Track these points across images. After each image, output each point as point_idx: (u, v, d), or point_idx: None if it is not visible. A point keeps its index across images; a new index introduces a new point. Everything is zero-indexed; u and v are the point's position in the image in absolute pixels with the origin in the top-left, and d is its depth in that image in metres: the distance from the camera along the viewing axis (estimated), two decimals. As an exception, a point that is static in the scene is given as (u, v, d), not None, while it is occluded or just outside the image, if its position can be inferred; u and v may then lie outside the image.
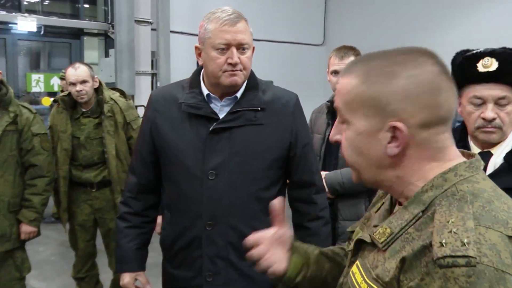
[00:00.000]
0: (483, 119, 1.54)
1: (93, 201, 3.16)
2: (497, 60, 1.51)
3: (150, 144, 1.78)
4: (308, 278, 1.13)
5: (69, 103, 3.07)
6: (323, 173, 2.38)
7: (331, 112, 2.53)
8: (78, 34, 8.37)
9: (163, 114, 1.74)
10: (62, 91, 5.85)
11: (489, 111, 1.53)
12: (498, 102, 1.52)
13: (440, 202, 0.81)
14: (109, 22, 8.28)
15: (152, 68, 8.20)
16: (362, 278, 0.88)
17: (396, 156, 0.85)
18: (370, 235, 0.90)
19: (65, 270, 4.20)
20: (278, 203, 1.15)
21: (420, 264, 0.75)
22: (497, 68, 1.50)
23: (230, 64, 1.60)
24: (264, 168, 1.70)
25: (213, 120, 1.68)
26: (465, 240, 0.72)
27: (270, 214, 1.71)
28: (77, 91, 2.99)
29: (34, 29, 7.53)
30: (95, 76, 3.12)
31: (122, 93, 3.33)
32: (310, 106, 2.78)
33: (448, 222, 0.75)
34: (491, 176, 1.55)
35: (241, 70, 1.63)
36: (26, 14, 7.53)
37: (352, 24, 9.99)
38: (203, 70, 1.74)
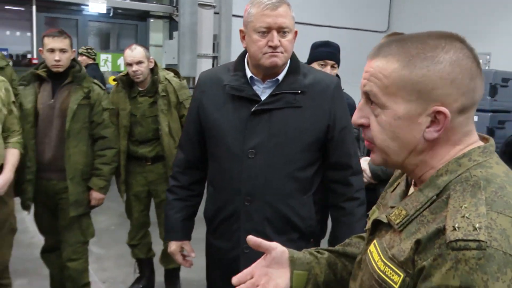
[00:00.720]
0: None
1: (147, 173, 3.35)
2: None
3: (197, 123, 1.89)
4: (323, 284, 1.15)
5: (127, 83, 3.26)
6: (367, 159, 2.41)
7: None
8: (144, 16, 8.67)
9: (209, 95, 1.84)
10: (86, 64, 6.09)
11: None
12: None
13: (454, 187, 0.83)
14: (174, 5, 8.51)
15: (213, 51, 8.37)
16: (379, 257, 0.91)
17: (433, 141, 0.87)
18: (386, 216, 0.93)
19: (122, 239, 4.47)
20: (252, 240, 1.15)
21: (433, 246, 0.78)
22: None
23: (270, 46, 1.67)
24: (301, 150, 1.77)
25: (254, 102, 1.76)
26: (477, 225, 0.75)
27: (306, 193, 1.80)
28: (133, 71, 3.16)
29: (104, 10, 7.88)
30: (151, 57, 3.28)
31: (176, 73, 3.47)
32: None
33: (461, 207, 0.78)
34: None
35: (282, 53, 1.70)
36: (97, -3, 7.89)
37: (417, 10, 9.68)
38: (247, 53, 1.82)
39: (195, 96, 1.91)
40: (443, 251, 0.76)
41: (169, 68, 3.58)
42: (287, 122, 1.74)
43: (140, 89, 3.28)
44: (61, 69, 2.84)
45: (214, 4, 8.21)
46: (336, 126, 1.81)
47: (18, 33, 8.48)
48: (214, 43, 8.36)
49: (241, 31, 1.79)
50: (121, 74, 3.35)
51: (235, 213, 1.81)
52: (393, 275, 0.86)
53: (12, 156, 2.64)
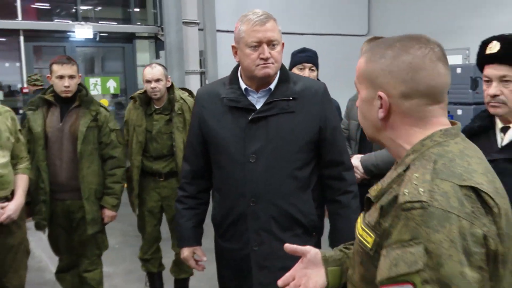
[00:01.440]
0: (489, 95, 1.72)
1: (161, 189, 3.46)
2: (500, 43, 1.68)
3: (199, 135, 2.01)
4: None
5: (144, 100, 3.40)
6: (359, 156, 2.56)
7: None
8: (130, 38, 8.84)
9: (208, 109, 1.97)
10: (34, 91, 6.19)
11: (492, 88, 1.70)
12: (502, 80, 1.69)
13: (414, 162, 0.99)
14: (159, 25, 8.70)
15: (200, 67, 8.55)
16: (359, 225, 1.10)
17: (384, 120, 1.06)
18: (368, 191, 1.10)
19: (128, 256, 4.58)
20: (289, 247, 1.34)
21: (392, 210, 0.96)
22: (498, 50, 1.67)
23: (262, 58, 1.83)
24: (297, 151, 1.91)
25: (251, 111, 1.89)
26: (421, 190, 0.91)
27: (305, 190, 1.94)
28: (152, 88, 3.30)
29: (90, 36, 8.05)
30: (169, 76, 3.43)
31: (190, 93, 3.63)
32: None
33: (414, 176, 0.95)
34: (506, 147, 1.71)
35: (273, 63, 1.86)
36: (82, 23, 8.05)
37: (396, 14, 9.96)
38: (240, 67, 1.97)
39: (196, 111, 2.05)
40: (398, 213, 0.93)
41: (183, 88, 3.74)
42: (283, 127, 1.89)
43: (156, 107, 3.41)
44: (70, 94, 2.99)
45: (198, 21, 8.41)
46: (327, 127, 1.96)
47: (7, 64, 8.60)
48: (200, 59, 8.56)
49: (233, 47, 1.94)
50: (139, 92, 3.48)
51: (242, 215, 1.94)
52: (367, 237, 1.04)
53: (22, 182, 2.77)
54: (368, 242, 1.03)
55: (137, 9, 9.27)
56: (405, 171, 1.01)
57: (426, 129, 1.04)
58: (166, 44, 7.95)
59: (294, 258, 1.95)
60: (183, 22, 8.07)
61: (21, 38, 7.65)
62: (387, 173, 1.11)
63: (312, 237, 1.99)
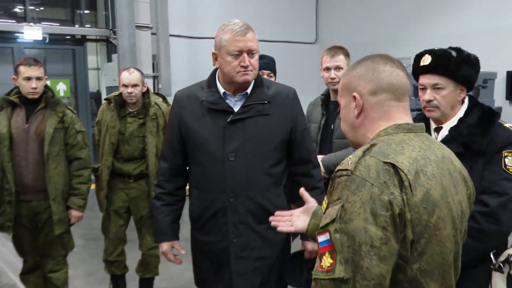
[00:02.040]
0: (424, 101, 2.01)
1: (130, 190, 3.50)
2: (431, 56, 1.97)
3: (178, 134, 2.14)
4: None
5: (119, 102, 3.45)
6: (320, 157, 2.77)
7: (325, 104, 2.93)
8: (81, 40, 8.73)
9: (188, 110, 2.10)
10: None
11: (427, 95, 1.99)
12: (435, 88, 1.97)
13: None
14: (110, 28, 8.64)
15: (153, 71, 8.57)
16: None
17: (359, 117, 1.30)
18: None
19: (88, 259, 4.60)
20: (303, 192, 1.65)
21: (334, 180, 1.19)
22: (430, 62, 1.97)
23: (242, 66, 2.00)
24: (272, 149, 2.09)
25: (229, 113, 2.05)
26: (350, 162, 1.15)
27: (278, 186, 2.13)
28: (128, 93, 3.36)
29: (39, 37, 7.88)
30: (145, 82, 3.50)
31: (164, 98, 3.71)
32: (305, 101, 3.13)
33: (351, 155, 1.19)
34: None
35: (251, 71, 2.03)
36: (31, 24, 7.88)
37: (342, 23, 10.42)
38: (218, 71, 2.13)
39: (175, 111, 2.17)
40: (334, 180, 1.17)
41: (157, 93, 3.81)
42: (259, 128, 2.07)
43: (131, 110, 3.47)
44: (37, 96, 3.01)
45: (151, 25, 8.43)
46: (298, 128, 2.16)
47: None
48: (153, 63, 8.57)
49: (213, 53, 2.09)
50: (114, 94, 3.52)
51: (222, 209, 2.08)
52: (324, 204, 1.28)
53: None
54: (324, 208, 1.28)
55: (87, 11, 9.16)
56: None
57: (387, 124, 1.28)
58: (118, 48, 7.92)
59: (268, 249, 2.17)
60: (136, 26, 8.07)
61: (-33, 38, 7.41)
62: None
63: None
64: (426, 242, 1.15)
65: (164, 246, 2.24)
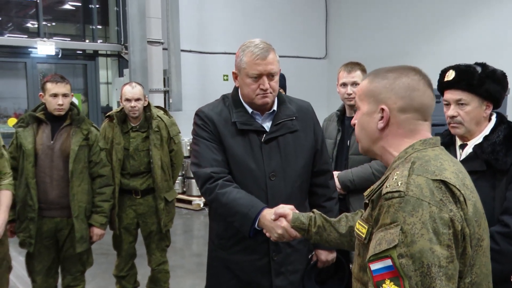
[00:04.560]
0: (448, 116, 1.99)
1: (137, 206, 3.50)
2: (455, 71, 1.96)
3: (220, 145, 2.03)
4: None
5: (121, 118, 3.47)
6: (336, 173, 2.75)
7: (341, 120, 2.91)
8: (93, 55, 8.81)
9: (221, 128, 2.05)
10: None
11: (450, 110, 1.97)
12: (458, 104, 1.95)
13: (398, 166, 1.21)
14: (122, 43, 8.73)
15: (164, 86, 8.62)
16: (357, 222, 1.31)
17: (382, 130, 1.27)
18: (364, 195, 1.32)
19: (98, 274, 4.57)
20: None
21: (379, 202, 1.16)
22: (453, 78, 1.95)
23: (261, 89, 1.99)
24: (303, 165, 2.12)
25: (261, 132, 2.05)
26: (399, 182, 1.12)
27: (306, 199, 2.16)
28: (131, 107, 3.38)
29: (52, 52, 7.97)
30: (146, 96, 3.51)
31: (165, 111, 3.73)
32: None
33: (396, 174, 1.16)
34: (463, 161, 1.96)
35: (271, 93, 2.02)
36: (45, 39, 7.97)
37: (352, 38, 10.44)
38: (238, 90, 2.11)
39: (207, 126, 2.05)
40: (382, 202, 1.14)
41: (158, 106, 3.82)
42: (291, 145, 2.08)
43: (133, 124, 3.48)
44: (63, 112, 3.03)
45: (162, 40, 8.50)
46: (318, 140, 2.19)
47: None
48: (164, 78, 8.62)
49: (233, 73, 2.10)
50: (115, 110, 3.53)
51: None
52: (362, 229, 1.25)
53: (6, 198, 2.80)
54: (362, 233, 1.25)
55: (99, 26, 9.26)
56: (391, 173, 1.22)
57: (413, 140, 1.26)
58: (130, 63, 7.99)
59: (301, 261, 2.18)
60: (148, 41, 8.14)
61: (-19, 53, 7.50)
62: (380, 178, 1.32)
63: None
64: (476, 254, 1.14)
65: (268, 215, 1.83)
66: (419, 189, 1.09)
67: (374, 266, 1.09)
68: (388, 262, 1.06)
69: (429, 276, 1.03)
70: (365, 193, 1.28)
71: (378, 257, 1.08)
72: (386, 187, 1.13)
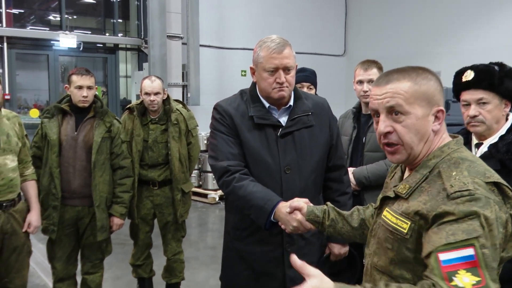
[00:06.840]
0: (469, 116, 2.00)
1: (154, 197, 3.59)
2: (474, 71, 1.98)
3: (237, 138, 2.08)
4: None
5: (141, 110, 3.56)
6: (351, 169, 2.78)
7: (357, 117, 2.93)
8: (113, 49, 8.93)
9: (238, 122, 2.11)
10: None
11: (472, 110, 1.99)
12: (479, 103, 1.97)
13: (442, 165, 1.24)
14: (142, 37, 8.83)
15: (183, 80, 8.70)
16: (391, 215, 1.30)
17: (435, 132, 1.29)
18: (394, 191, 1.33)
19: (114, 263, 4.66)
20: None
21: (438, 201, 1.16)
22: (473, 78, 1.97)
23: (278, 82, 2.04)
24: (318, 160, 2.16)
25: (277, 127, 2.09)
26: (465, 182, 1.15)
27: (320, 193, 2.17)
28: (151, 101, 3.46)
29: (74, 45, 8.10)
30: (165, 89, 3.59)
31: (184, 105, 3.80)
32: (333, 113, 3.16)
33: (452, 174, 1.19)
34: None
35: (287, 87, 2.06)
36: (67, 32, 8.11)
37: (371, 35, 10.40)
38: (256, 85, 2.16)
39: (225, 120, 2.11)
40: (446, 201, 1.15)
41: (177, 99, 3.89)
42: (307, 140, 2.12)
43: (152, 117, 3.56)
44: (87, 104, 3.11)
45: (181, 35, 8.58)
46: (334, 135, 2.22)
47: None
48: (183, 72, 8.70)
49: (251, 68, 2.14)
50: (135, 102, 3.62)
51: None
52: (402, 224, 1.25)
53: (33, 189, 2.94)
54: (403, 228, 1.25)
55: (119, 20, 9.37)
56: (430, 172, 1.26)
57: (441, 139, 1.31)
58: (150, 57, 8.08)
59: (314, 253, 2.21)
60: (167, 36, 8.22)
61: (5, 45, 7.65)
62: (407, 176, 1.33)
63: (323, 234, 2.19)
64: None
65: (284, 208, 1.86)
66: (483, 189, 1.14)
67: (446, 256, 1.08)
68: (470, 251, 1.06)
69: (494, 270, 1.09)
70: (400, 190, 1.29)
71: (454, 246, 1.07)
72: (452, 186, 1.15)
